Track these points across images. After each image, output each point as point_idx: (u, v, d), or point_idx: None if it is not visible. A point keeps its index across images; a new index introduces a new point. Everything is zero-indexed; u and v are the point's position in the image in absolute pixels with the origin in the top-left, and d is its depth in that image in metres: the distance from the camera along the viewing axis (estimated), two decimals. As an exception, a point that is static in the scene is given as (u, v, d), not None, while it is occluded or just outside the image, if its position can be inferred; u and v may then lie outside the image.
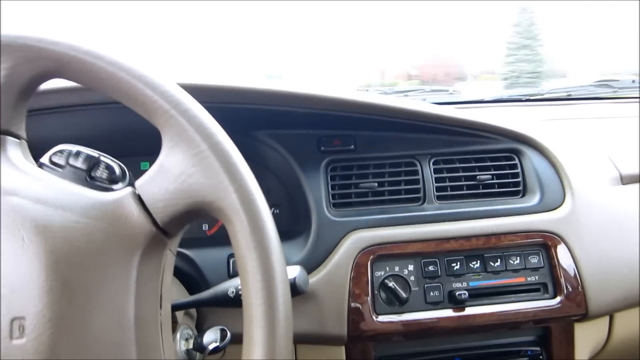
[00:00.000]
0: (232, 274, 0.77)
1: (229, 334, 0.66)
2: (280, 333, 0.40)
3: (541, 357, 0.84)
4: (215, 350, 0.66)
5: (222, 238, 0.93)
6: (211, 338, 0.67)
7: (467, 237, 0.80)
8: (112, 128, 0.81)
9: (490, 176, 0.85)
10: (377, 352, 0.81)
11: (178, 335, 0.67)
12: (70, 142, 0.85)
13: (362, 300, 0.76)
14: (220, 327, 0.67)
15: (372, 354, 0.81)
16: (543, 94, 1.19)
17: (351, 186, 0.83)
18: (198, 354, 0.68)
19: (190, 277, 0.78)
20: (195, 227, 0.92)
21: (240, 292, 0.65)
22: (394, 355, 0.82)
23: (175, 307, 0.64)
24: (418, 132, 0.85)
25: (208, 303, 0.66)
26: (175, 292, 0.72)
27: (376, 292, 0.77)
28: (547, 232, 0.81)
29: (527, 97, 1.19)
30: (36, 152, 0.88)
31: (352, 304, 0.76)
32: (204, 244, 0.82)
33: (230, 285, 0.65)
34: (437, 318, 0.77)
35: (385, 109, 0.80)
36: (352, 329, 0.76)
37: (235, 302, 0.65)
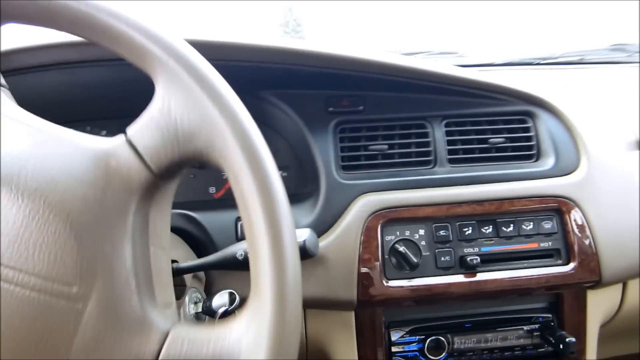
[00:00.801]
0: (240, 237, 0.75)
1: (237, 298, 0.65)
2: (289, 297, 0.38)
3: (552, 323, 0.83)
4: (225, 313, 0.64)
5: (229, 201, 0.91)
6: (220, 302, 0.65)
7: (479, 202, 0.78)
8: (111, 85, 0.79)
9: (503, 139, 0.82)
10: (387, 317, 0.80)
11: (187, 298, 0.66)
12: (66, 100, 0.83)
13: (372, 265, 0.74)
14: (229, 290, 0.66)
15: (381, 319, 0.79)
16: (556, 57, 1.15)
17: (360, 148, 0.80)
18: (207, 317, 0.67)
19: (198, 240, 0.76)
20: (202, 190, 0.90)
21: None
22: (404, 320, 0.81)
23: (183, 270, 0.63)
24: (429, 93, 0.81)
25: (216, 266, 0.64)
26: (183, 255, 0.70)
27: (386, 256, 0.75)
28: (561, 197, 0.79)
29: (539, 61, 1.15)
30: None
31: (362, 269, 0.74)
32: (211, 207, 0.80)
33: (238, 248, 0.63)
34: (448, 283, 0.76)
35: (395, 68, 0.76)
36: (362, 294, 0.74)
37: (244, 265, 0.63)
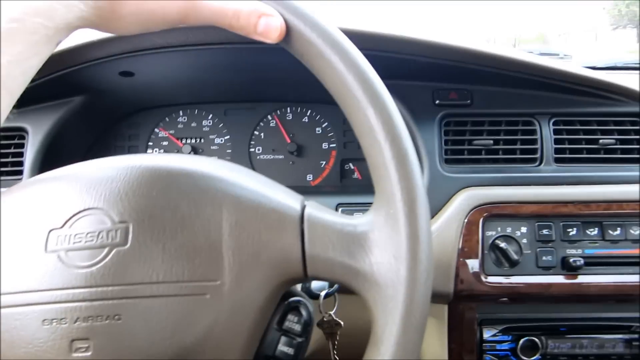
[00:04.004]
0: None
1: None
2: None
3: (654, 335, 0.80)
4: (326, 296, 0.66)
5: (325, 188, 0.93)
6: (320, 284, 0.67)
7: (585, 203, 0.75)
8: (227, 69, 0.82)
9: (613, 141, 0.79)
10: (480, 313, 0.79)
11: None
12: (182, 82, 0.87)
13: (471, 259, 0.74)
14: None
15: (475, 315, 0.79)
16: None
17: (464, 142, 0.80)
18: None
19: None
20: (300, 177, 0.93)
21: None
22: (497, 319, 0.80)
23: None
24: (538, 90, 0.80)
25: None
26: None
27: (486, 251, 0.75)
28: (674, 203, 0.76)
29: (646, 65, 1.10)
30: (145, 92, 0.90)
31: (461, 262, 0.74)
32: (309, 192, 0.82)
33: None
34: (548, 283, 0.74)
35: (510, 62, 0.76)
36: (459, 287, 0.74)
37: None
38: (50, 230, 0.39)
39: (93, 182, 0.40)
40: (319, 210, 0.42)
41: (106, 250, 0.38)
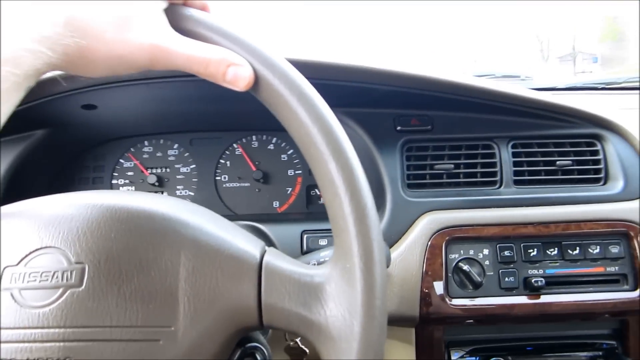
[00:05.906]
0: (306, 250, 0.77)
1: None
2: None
3: (617, 350, 0.82)
4: None
5: (292, 215, 0.94)
6: None
7: (545, 223, 0.77)
8: (193, 101, 0.83)
9: (570, 162, 0.82)
10: (447, 335, 0.80)
11: None
12: (147, 114, 0.88)
13: (436, 282, 0.75)
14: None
15: (442, 337, 0.80)
16: (620, 83, 1.14)
17: (426, 167, 0.81)
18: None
19: None
20: (266, 204, 0.93)
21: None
22: (464, 340, 0.81)
23: None
24: (496, 114, 0.82)
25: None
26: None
27: (450, 274, 0.76)
28: (629, 221, 0.78)
29: (603, 86, 1.14)
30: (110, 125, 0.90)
31: (425, 286, 0.75)
32: (276, 220, 0.82)
33: (311, 259, 0.65)
34: (511, 304, 0.76)
35: (465, 88, 0.78)
36: (425, 311, 0.75)
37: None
38: (5, 268, 0.39)
39: (52, 220, 0.40)
40: (278, 259, 0.42)
41: (60, 290, 0.38)
